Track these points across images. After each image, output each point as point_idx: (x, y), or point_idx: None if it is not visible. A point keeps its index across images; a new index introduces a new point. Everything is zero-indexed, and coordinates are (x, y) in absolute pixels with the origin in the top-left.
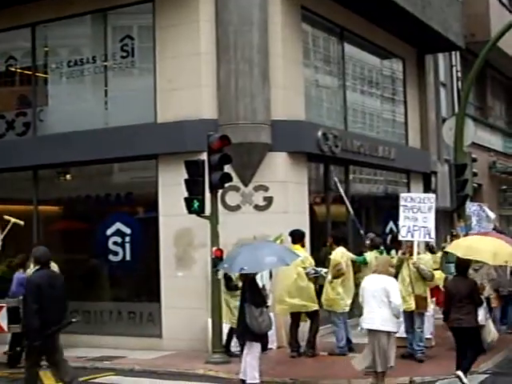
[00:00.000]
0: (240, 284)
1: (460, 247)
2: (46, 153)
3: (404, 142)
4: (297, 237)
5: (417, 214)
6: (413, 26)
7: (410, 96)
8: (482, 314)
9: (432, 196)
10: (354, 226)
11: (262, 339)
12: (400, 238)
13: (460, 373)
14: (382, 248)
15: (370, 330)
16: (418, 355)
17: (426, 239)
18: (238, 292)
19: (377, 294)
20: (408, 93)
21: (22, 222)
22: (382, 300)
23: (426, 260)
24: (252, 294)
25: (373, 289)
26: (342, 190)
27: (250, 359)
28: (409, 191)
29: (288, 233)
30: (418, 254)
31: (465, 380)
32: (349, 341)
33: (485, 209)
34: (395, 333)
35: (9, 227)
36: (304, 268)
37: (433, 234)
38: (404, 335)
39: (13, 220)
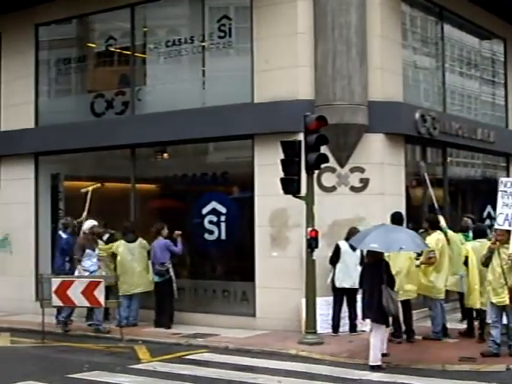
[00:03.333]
0: None
1: None
2: (143, 131)
3: (504, 124)
4: (397, 219)
5: None
6: None
7: (511, 78)
8: None
9: None
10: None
11: (388, 321)
12: (496, 226)
13: None
14: (468, 233)
15: None
16: None
17: None
18: None
19: None
20: (509, 74)
21: (98, 185)
22: None
23: None
24: (389, 276)
25: None
26: (427, 177)
27: (375, 341)
28: (508, 175)
29: (389, 215)
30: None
31: None
32: (444, 327)
33: None
34: None
35: (89, 197)
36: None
37: None
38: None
39: (90, 188)
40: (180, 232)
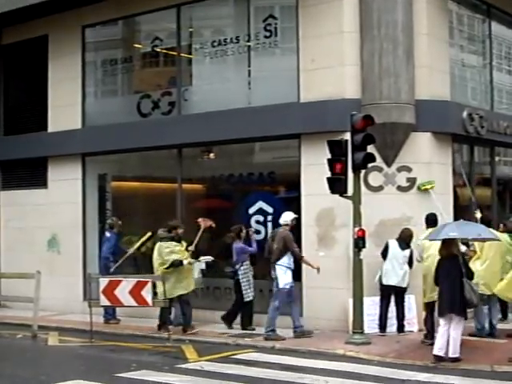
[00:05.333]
0: None
1: None
2: (190, 132)
3: None
4: (429, 220)
5: None
6: None
7: None
8: None
9: None
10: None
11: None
12: None
13: None
14: None
15: None
16: None
17: None
18: None
19: None
20: None
21: (149, 234)
22: None
23: None
24: (467, 268)
25: None
26: (462, 170)
27: (457, 334)
28: None
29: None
30: None
31: None
32: (492, 326)
33: None
34: None
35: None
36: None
37: None
38: None
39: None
40: (253, 230)
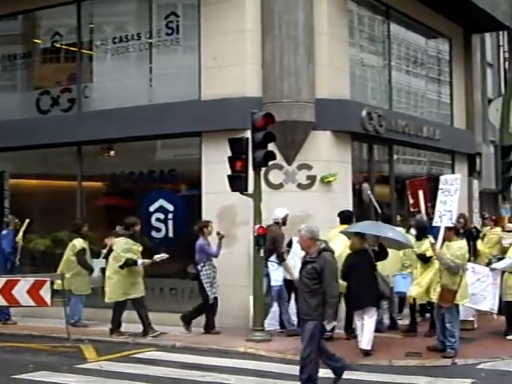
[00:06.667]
0: None
1: None
2: (90, 129)
3: (449, 122)
4: (345, 217)
5: (447, 198)
6: (460, 4)
7: (456, 76)
8: None
9: (458, 177)
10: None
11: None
12: (434, 224)
13: None
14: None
15: None
16: (447, 351)
17: (449, 224)
18: None
19: None
20: (454, 73)
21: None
22: None
23: (455, 248)
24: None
25: None
26: (372, 198)
27: (371, 324)
28: (453, 172)
29: (337, 212)
30: (450, 241)
31: None
32: (393, 320)
33: None
34: None
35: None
36: None
37: (454, 219)
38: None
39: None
40: (223, 234)
